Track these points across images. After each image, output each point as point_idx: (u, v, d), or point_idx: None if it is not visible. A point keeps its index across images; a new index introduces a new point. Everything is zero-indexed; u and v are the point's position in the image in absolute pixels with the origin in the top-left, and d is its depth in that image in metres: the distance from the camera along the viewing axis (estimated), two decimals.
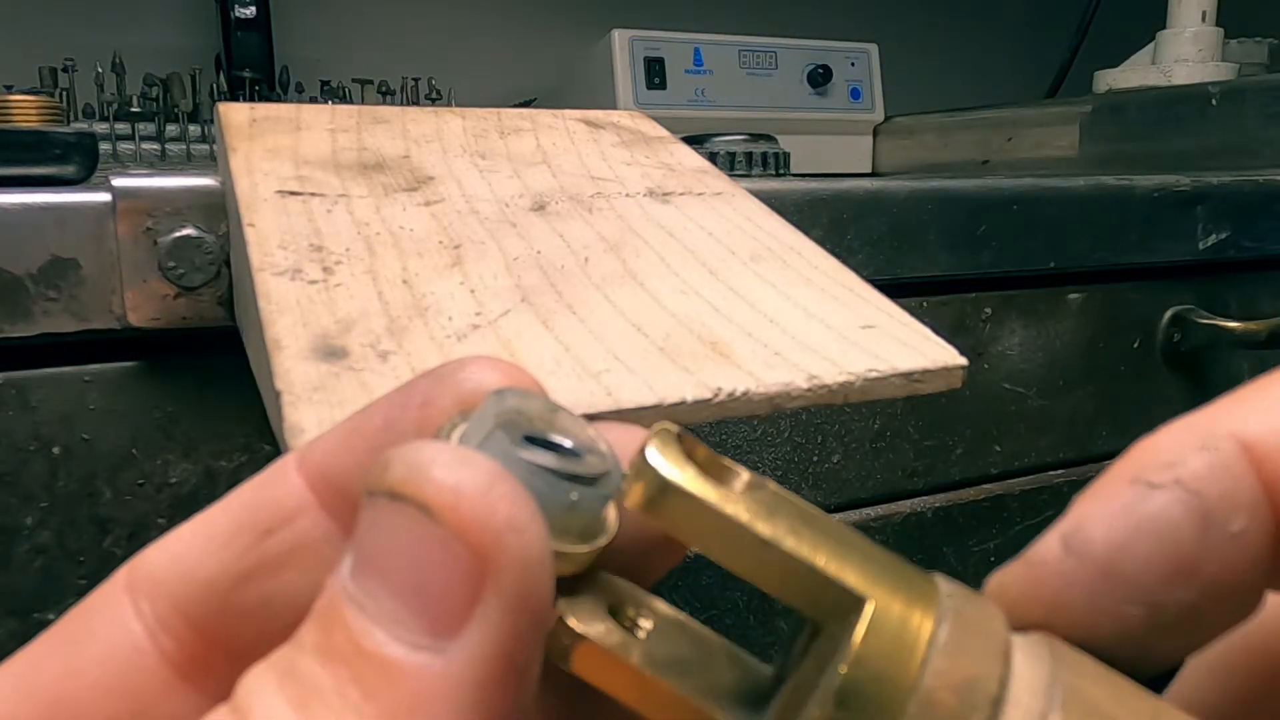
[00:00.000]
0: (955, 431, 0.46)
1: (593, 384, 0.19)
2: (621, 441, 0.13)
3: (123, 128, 0.73)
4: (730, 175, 0.33)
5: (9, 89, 0.62)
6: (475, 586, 0.11)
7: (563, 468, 0.12)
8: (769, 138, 0.73)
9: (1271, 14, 1.00)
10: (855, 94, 0.96)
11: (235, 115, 0.31)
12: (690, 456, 0.12)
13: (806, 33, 0.96)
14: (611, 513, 0.13)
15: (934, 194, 0.43)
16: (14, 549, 0.29)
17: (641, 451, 0.12)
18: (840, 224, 0.41)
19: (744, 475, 0.12)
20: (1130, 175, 0.49)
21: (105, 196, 0.28)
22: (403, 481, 0.11)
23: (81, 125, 0.73)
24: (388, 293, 0.22)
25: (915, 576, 0.12)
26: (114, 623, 0.13)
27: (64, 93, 0.74)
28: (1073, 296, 0.49)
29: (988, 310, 0.46)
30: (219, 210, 0.29)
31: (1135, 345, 0.51)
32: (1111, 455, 0.19)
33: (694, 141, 0.68)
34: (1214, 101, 0.69)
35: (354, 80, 0.87)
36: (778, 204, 0.31)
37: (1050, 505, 0.49)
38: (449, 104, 0.88)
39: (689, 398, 0.19)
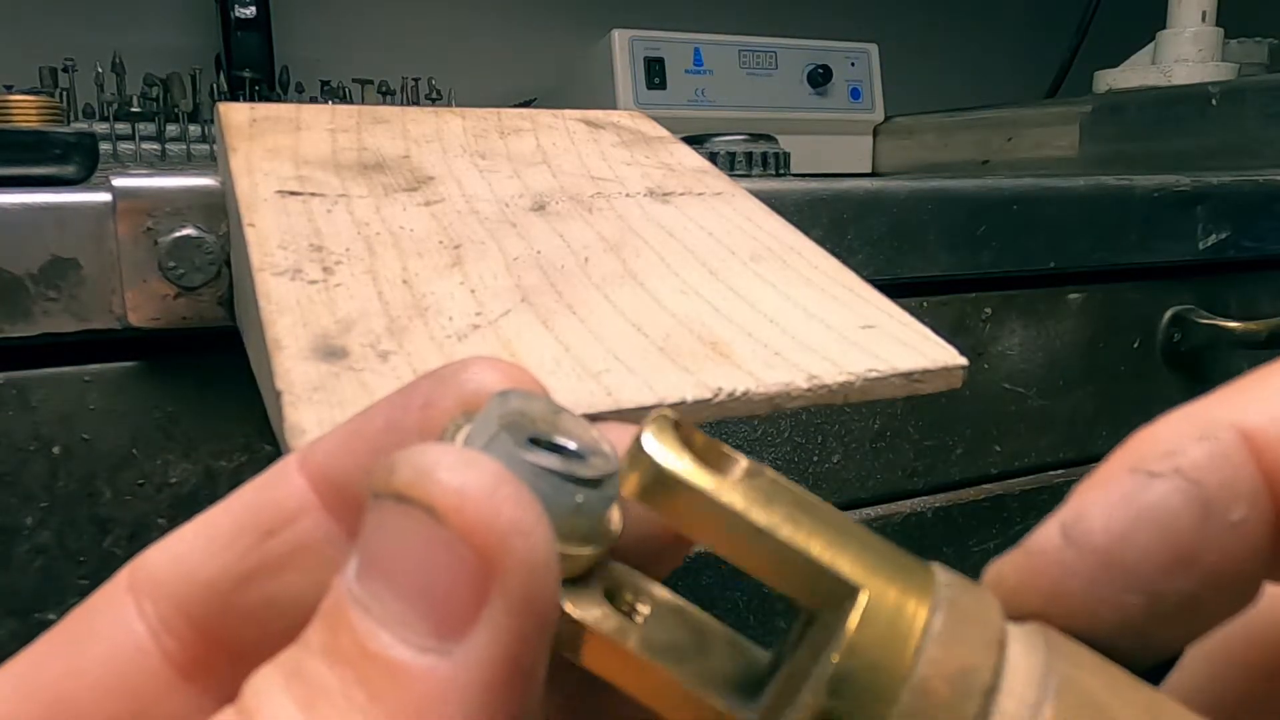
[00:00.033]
0: (955, 431, 0.46)
1: (593, 384, 0.19)
2: (623, 441, 0.13)
3: (123, 128, 0.73)
4: (730, 175, 0.33)
5: (9, 89, 0.62)
6: (481, 589, 0.11)
7: (567, 470, 0.12)
8: (769, 138, 0.73)
9: (1271, 14, 1.00)
10: (855, 94, 0.96)
11: (235, 115, 0.31)
12: (687, 443, 0.12)
13: (806, 33, 0.96)
14: (616, 514, 0.13)
15: (934, 194, 0.43)
16: (14, 549, 0.29)
17: (637, 439, 0.12)
18: (840, 224, 0.41)
19: (742, 462, 0.12)
20: (1130, 175, 0.49)
21: (105, 196, 0.28)
22: (408, 484, 0.11)
23: (81, 125, 0.73)
24: (388, 293, 0.22)
25: (912, 565, 0.12)
26: (116, 623, 0.13)
27: (64, 93, 0.74)
28: (1073, 296, 0.49)
29: (988, 310, 0.46)
30: (219, 210, 0.29)
31: (1135, 345, 0.51)
32: None
33: (694, 141, 0.68)
34: (1214, 101, 0.69)
35: (354, 80, 0.87)
36: (778, 204, 0.31)
37: (1050, 505, 0.48)
38: (449, 104, 0.88)
39: (689, 398, 0.19)
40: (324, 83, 0.87)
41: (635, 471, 0.12)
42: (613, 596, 0.13)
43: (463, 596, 0.11)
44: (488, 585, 0.11)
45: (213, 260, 0.29)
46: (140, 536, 0.31)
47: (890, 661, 0.11)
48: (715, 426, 0.40)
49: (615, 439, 0.13)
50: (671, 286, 0.24)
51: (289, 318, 0.20)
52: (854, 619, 0.11)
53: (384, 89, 0.86)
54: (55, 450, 0.30)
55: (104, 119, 0.74)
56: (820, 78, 0.93)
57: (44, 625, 0.13)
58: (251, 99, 0.79)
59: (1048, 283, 0.48)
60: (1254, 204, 0.52)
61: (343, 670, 0.11)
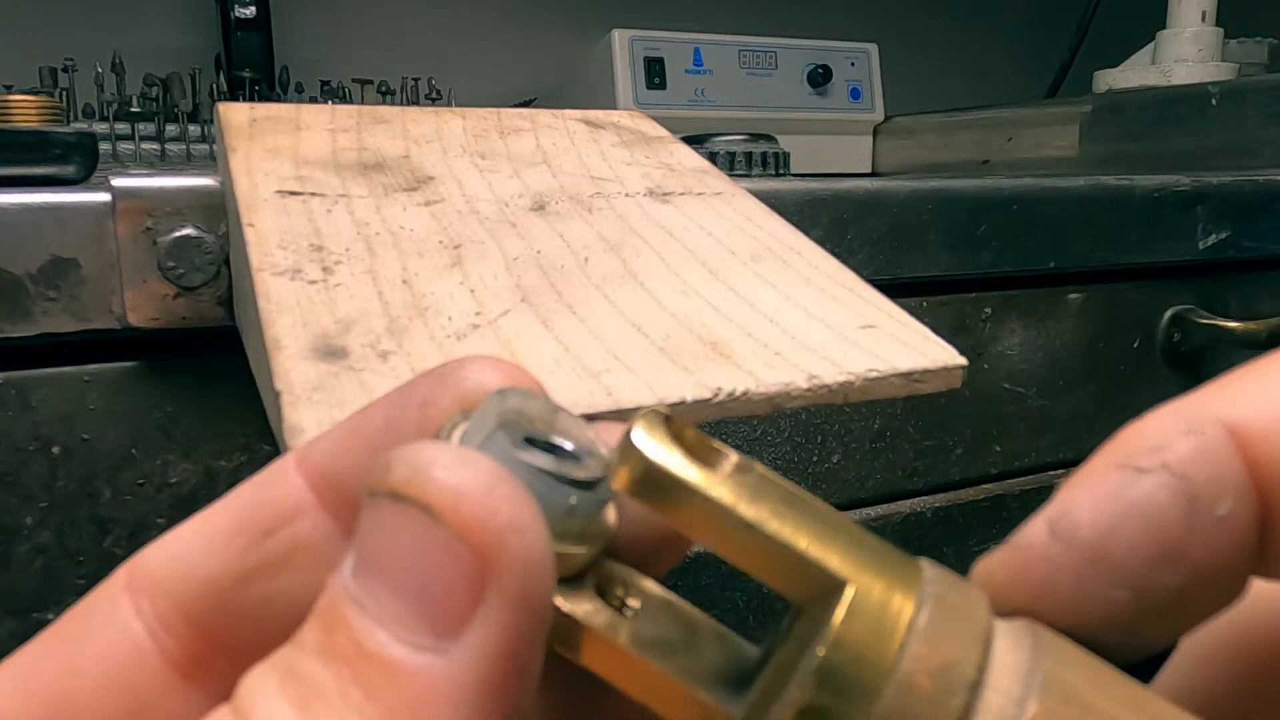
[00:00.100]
0: (955, 431, 0.46)
1: (593, 384, 0.19)
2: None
3: (123, 128, 0.73)
4: (730, 175, 0.33)
5: (9, 89, 0.62)
6: (477, 587, 0.11)
7: (562, 471, 0.12)
8: (769, 138, 0.73)
9: (1271, 14, 1.00)
10: (855, 94, 0.96)
11: (235, 115, 0.31)
12: (677, 438, 0.12)
13: (806, 33, 0.96)
14: (611, 514, 0.13)
15: (934, 194, 0.43)
16: (14, 549, 0.29)
17: (627, 433, 0.12)
18: (840, 224, 0.41)
19: (732, 457, 0.12)
20: (1130, 175, 0.49)
21: (105, 196, 0.28)
22: (405, 482, 0.11)
23: (81, 125, 0.73)
24: (388, 293, 0.22)
25: (900, 561, 0.12)
26: (114, 622, 0.13)
27: (64, 93, 0.74)
28: (1073, 296, 0.49)
29: (988, 310, 0.46)
30: (219, 210, 0.29)
31: (1135, 345, 0.51)
32: None
33: (694, 141, 0.68)
34: (1214, 101, 0.69)
35: (354, 80, 0.87)
36: (778, 204, 0.31)
37: None
38: (449, 104, 0.88)
39: (689, 397, 0.19)
40: (324, 83, 0.87)
41: (625, 466, 0.12)
42: (604, 592, 0.13)
43: (459, 594, 0.11)
44: (484, 583, 0.11)
45: (212, 260, 0.29)
46: (140, 536, 0.31)
47: (875, 656, 0.11)
48: (715, 426, 0.40)
49: (613, 439, 0.13)
50: (671, 286, 0.24)
51: (288, 318, 0.20)
52: (840, 613, 0.11)
53: (384, 89, 0.86)
54: (55, 450, 0.30)
55: (104, 119, 0.74)
56: (820, 78, 0.93)
57: (44, 625, 0.13)
58: (251, 99, 0.79)
59: (1048, 283, 0.48)
60: (1254, 204, 0.52)
61: (338, 669, 0.11)
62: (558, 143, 0.33)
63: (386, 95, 0.86)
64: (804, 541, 0.11)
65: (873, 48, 0.98)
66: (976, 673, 0.11)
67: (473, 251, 0.24)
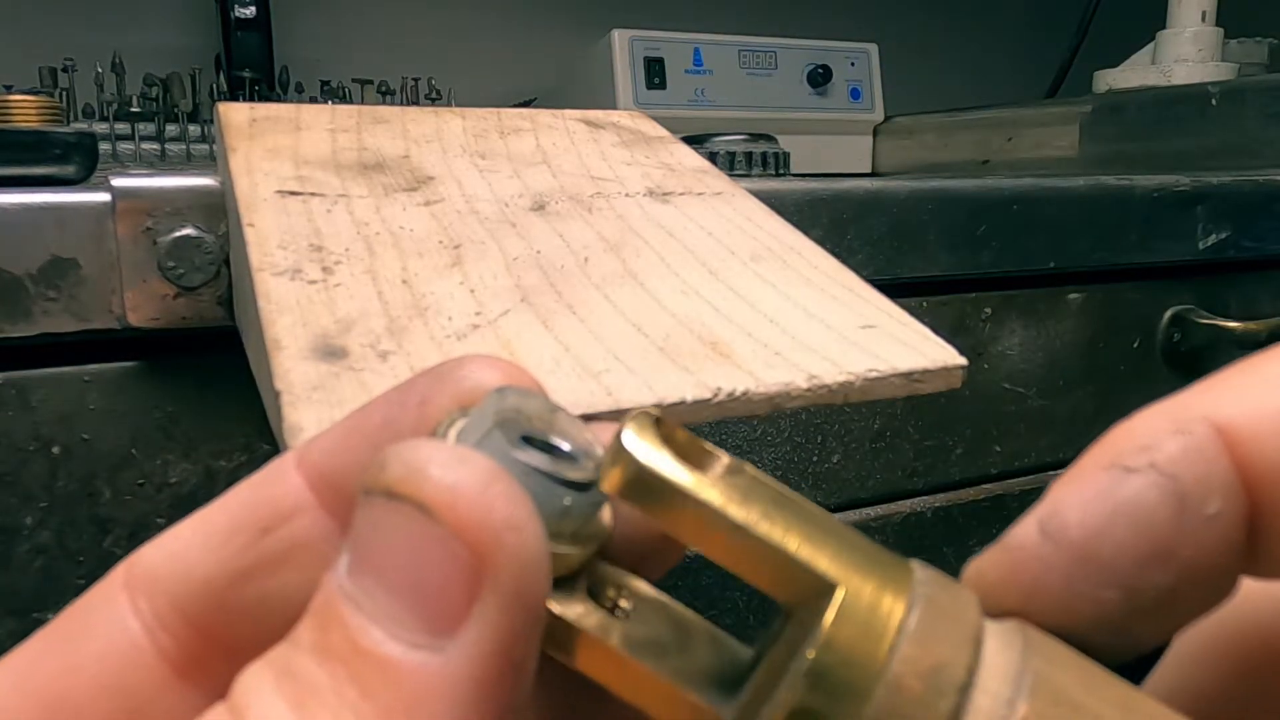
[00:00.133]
0: (955, 431, 0.46)
1: (593, 384, 0.19)
2: None
3: (123, 128, 0.73)
4: (730, 175, 0.33)
5: (9, 89, 0.62)
6: (473, 584, 0.11)
7: (557, 471, 0.12)
8: (769, 138, 0.73)
9: (1271, 14, 1.00)
10: (855, 94, 0.96)
11: (235, 115, 0.31)
12: (668, 440, 0.12)
13: (806, 33, 0.96)
14: (606, 516, 0.13)
15: (934, 194, 0.43)
16: (14, 549, 0.29)
17: (618, 435, 0.12)
18: (840, 224, 0.41)
19: (723, 459, 0.12)
20: (1130, 175, 0.49)
21: (105, 196, 0.28)
22: (400, 480, 0.11)
23: (81, 125, 0.73)
24: (387, 292, 0.22)
25: (890, 562, 0.12)
26: (112, 620, 0.13)
27: (64, 93, 0.74)
28: (1073, 296, 0.49)
29: (988, 310, 0.46)
30: (219, 210, 0.29)
31: (1135, 345, 0.51)
32: None
33: (694, 141, 0.68)
34: (1214, 101, 0.69)
35: (354, 80, 0.87)
36: (778, 204, 0.31)
37: None
38: (449, 104, 0.88)
39: (689, 397, 0.19)
40: (324, 83, 0.87)
41: (616, 468, 0.12)
42: (596, 593, 0.13)
43: (455, 592, 0.11)
44: (480, 581, 0.11)
45: (212, 260, 0.29)
46: (140, 536, 0.31)
47: (865, 657, 0.11)
48: (715, 426, 0.40)
49: (610, 440, 0.13)
50: (671, 286, 0.24)
51: (288, 317, 0.20)
52: (830, 615, 0.11)
53: (384, 89, 0.86)
54: (55, 450, 0.30)
55: (104, 119, 0.74)
56: (820, 78, 0.93)
57: (43, 625, 0.13)
58: (251, 99, 0.79)
59: (1048, 283, 0.48)
60: (1254, 204, 0.52)
61: (333, 667, 0.11)
62: (558, 143, 0.33)
63: (386, 95, 0.86)
64: (794, 543, 0.11)
65: (873, 48, 0.98)
66: (966, 674, 0.11)
67: (473, 251, 0.24)
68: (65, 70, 0.74)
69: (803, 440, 0.42)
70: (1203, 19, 0.80)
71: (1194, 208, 0.50)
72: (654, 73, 0.87)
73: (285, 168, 0.28)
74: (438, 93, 0.88)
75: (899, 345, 0.22)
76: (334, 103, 0.85)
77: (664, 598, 0.13)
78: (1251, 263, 0.54)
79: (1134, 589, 0.12)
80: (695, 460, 0.12)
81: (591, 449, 0.13)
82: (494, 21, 1.04)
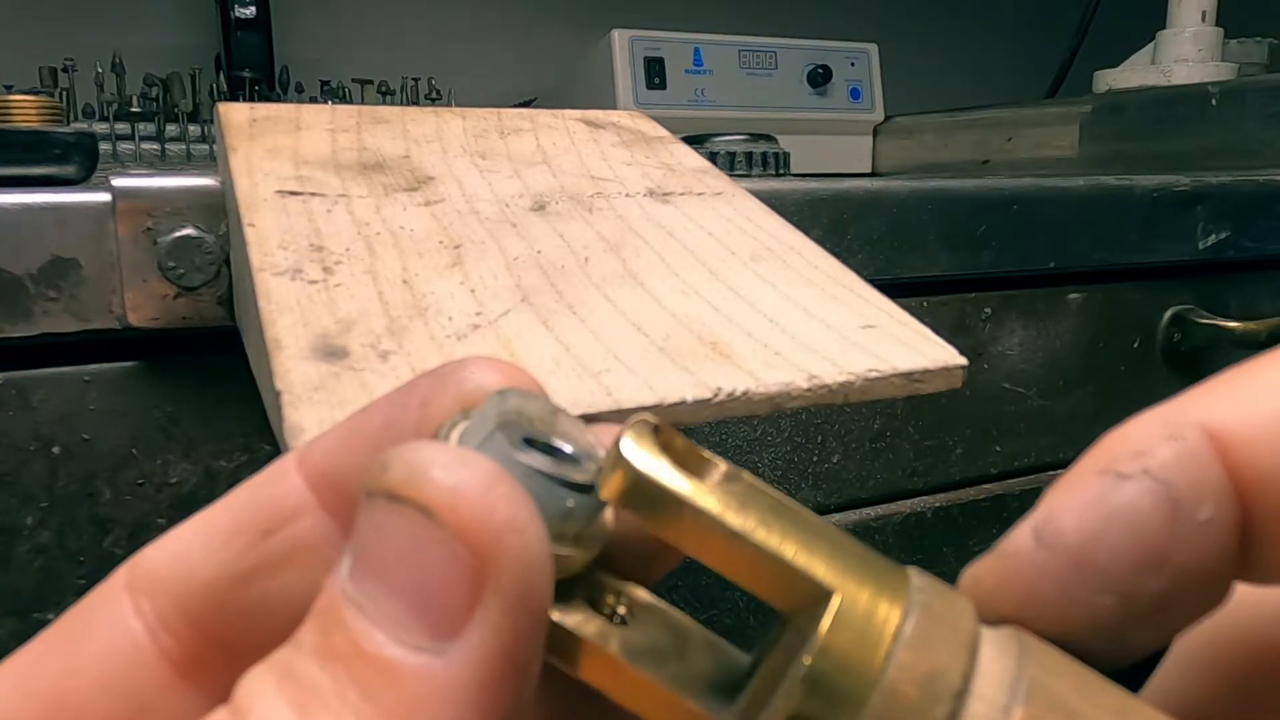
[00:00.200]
0: (955, 431, 0.46)
1: (593, 384, 0.19)
2: None
3: (123, 128, 0.73)
4: (730, 175, 0.33)
5: (9, 89, 0.62)
6: (475, 587, 0.11)
7: (559, 473, 0.12)
8: (769, 138, 0.73)
9: (1271, 14, 1.00)
10: (855, 94, 0.96)
11: (235, 115, 0.31)
12: (666, 448, 0.12)
13: (806, 33, 0.96)
14: (608, 518, 0.13)
15: (934, 194, 0.43)
16: (14, 549, 0.29)
17: (616, 443, 0.12)
18: (840, 224, 0.41)
19: (721, 467, 0.12)
20: (1130, 175, 0.49)
21: (105, 196, 0.28)
22: (402, 482, 0.11)
23: (81, 125, 0.73)
24: (388, 293, 0.22)
25: (886, 569, 0.12)
26: (113, 621, 0.13)
27: (64, 93, 0.74)
28: (1073, 296, 0.49)
29: (988, 310, 0.46)
30: (219, 210, 0.29)
31: (1135, 345, 0.51)
32: None
33: (694, 141, 0.68)
34: (1214, 101, 0.69)
35: (354, 80, 0.87)
36: (778, 204, 0.31)
37: None
38: (449, 104, 0.88)
39: (689, 398, 0.19)
40: (324, 83, 0.87)
41: (614, 476, 0.12)
42: (594, 600, 0.13)
43: (457, 595, 0.11)
44: (482, 583, 0.11)
45: (212, 260, 0.29)
46: (140, 536, 0.31)
47: (861, 664, 0.11)
48: (715, 426, 0.40)
49: (612, 440, 0.13)
50: (671, 286, 0.24)
51: (289, 318, 0.20)
52: (826, 622, 0.11)
53: (384, 89, 0.86)
54: (55, 450, 0.30)
55: (104, 119, 0.74)
56: (820, 78, 0.93)
57: (43, 625, 0.13)
58: (251, 99, 0.79)
59: (1048, 283, 0.48)
60: (1254, 204, 0.52)
61: (335, 670, 0.11)
62: (558, 143, 0.33)
63: (386, 95, 0.86)
64: (791, 550, 0.12)
65: (873, 48, 0.98)
66: (962, 681, 0.11)
67: (473, 251, 0.24)
68: (65, 70, 0.74)
69: (803, 440, 0.42)
70: (1203, 19, 0.80)
71: (1194, 208, 0.50)
72: (654, 73, 0.87)
73: (285, 168, 0.28)
74: (438, 93, 0.88)
75: (899, 345, 0.22)
76: (334, 103, 0.85)
77: (662, 604, 0.13)
78: (1251, 263, 0.54)
79: (1129, 595, 0.12)
80: (693, 467, 0.12)
81: (593, 451, 0.13)
82: (494, 22, 1.04)
